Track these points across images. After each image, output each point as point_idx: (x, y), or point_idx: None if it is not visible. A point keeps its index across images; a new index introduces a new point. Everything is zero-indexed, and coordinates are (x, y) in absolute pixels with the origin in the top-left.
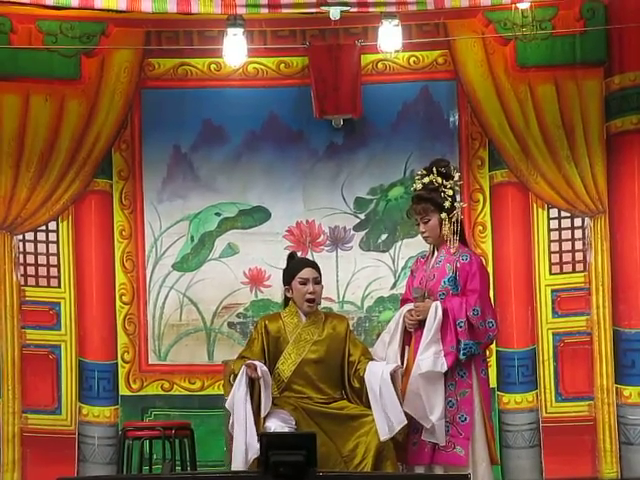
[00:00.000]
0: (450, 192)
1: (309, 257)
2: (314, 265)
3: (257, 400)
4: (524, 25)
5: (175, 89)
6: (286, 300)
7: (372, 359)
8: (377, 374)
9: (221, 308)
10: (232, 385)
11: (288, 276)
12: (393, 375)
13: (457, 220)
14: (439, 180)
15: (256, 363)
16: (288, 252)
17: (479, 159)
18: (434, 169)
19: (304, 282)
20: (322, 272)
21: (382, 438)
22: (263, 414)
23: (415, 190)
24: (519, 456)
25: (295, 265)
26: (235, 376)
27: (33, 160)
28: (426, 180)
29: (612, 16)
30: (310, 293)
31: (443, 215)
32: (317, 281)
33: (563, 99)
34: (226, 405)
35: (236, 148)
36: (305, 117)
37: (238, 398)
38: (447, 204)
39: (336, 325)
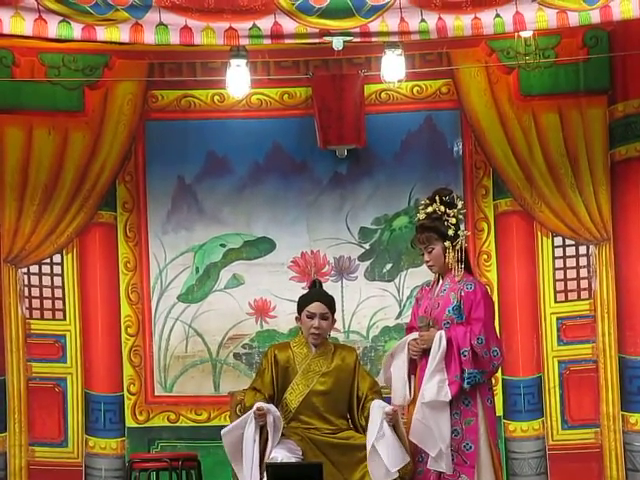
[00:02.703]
0: (453, 220)
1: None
2: (325, 300)
3: (264, 440)
4: (527, 54)
5: (179, 120)
6: None
7: (379, 392)
8: (375, 421)
9: (227, 339)
10: (238, 416)
11: (299, 307)
12: (392, 415)
13: (461, 248)
14: (442, 209)
15: (269, 408)
16: (293, 283)
17: (483, 188)
18: (437, 198)
19: (311, 316)
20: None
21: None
22: (267, 458)
23: (419, 220)
24: None
25: (306, 297)
26: (243, 407)
27: (37, 193)
28: (429, 210)
29: (615, 43)
30: (315, 328)
31: (447, 243)
32: (325, 317)
33: (567, 127)
34: (224, 434)
35: (240, 179)
36: (309, 147)
37: (247, 437)
38: (450, 232)
39: (345, 357)
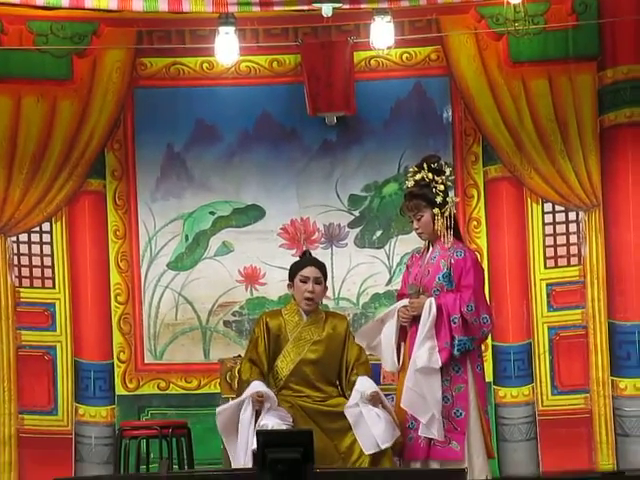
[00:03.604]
0: (442, 187)
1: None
2: (319, 265)
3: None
4: (516, 20)
5: (167, 88)
6: None
7: (365, 362)
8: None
9: (216, 306)
10: (228, 383)
11: (291, 273)
12: (374, 397)
13: (450, 215)
14: (430, 176)
15: (269, 395)
16: (283, 250)
17: (473, 155)
18: (425, 165)
19: (304, 280)
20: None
21: (367, 452)
22: (257, 426)
23: (407, 187)
24: (516, 449)
25: (299, 263)
26: (240, 380)
27: (26, 161)
28: (418, 177)
29: (604, 10)
30: (309, 292)
31: (435, 210)
32: (318, 281)
33: (556, 94)
34: (219, 412)
35: (229, 147)
36: (298, 115)
37: (244, 420)
38: (439, 199)
39: (336, 325)
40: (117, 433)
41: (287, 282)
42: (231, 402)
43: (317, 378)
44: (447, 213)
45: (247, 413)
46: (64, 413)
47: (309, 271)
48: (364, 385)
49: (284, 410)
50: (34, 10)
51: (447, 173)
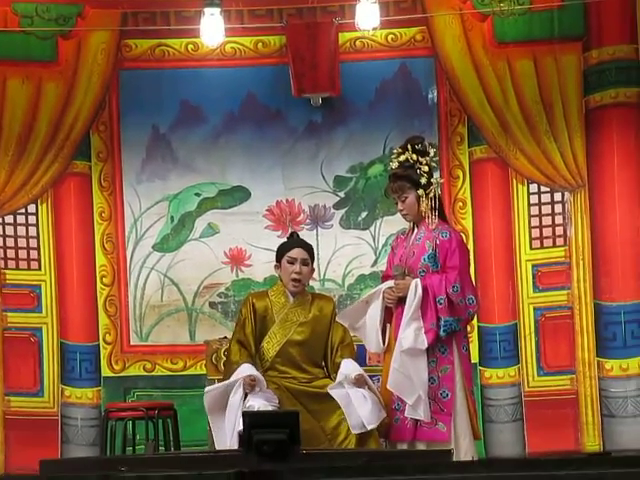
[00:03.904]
0: (426, 168)
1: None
2: (306, 247)
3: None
4: (502, 1)
5: (152, 70)
6: None
7: (350, 344)
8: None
9: (202, 288)
10: (214, 364)
11: (279, 254)
12: (359, 379)
13: (435, 196)
14: (414, 157)
15: (260, 380)
16: (268, 232)
17: (458, 135)
18: (409, 146)
19: (292, 262)
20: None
21: (354, 431)
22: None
23: (391, 169)
24: (502, 430)
25: (287, 244)
26: (228, 361)
27: (11, 143)
28: (402, 158)
29: None
30: (296, 273)
31: (420, 192)
32: (305, 263)
33: (542, 74)
34: (207, 391)
35: (214, 128)
36: (283, 96)
37: (232, 403)
38: (423, 180)
39: (323, 307)
40: (103, 415)
41: (274, 263)
42: (220, 383)
43: (303, 359)
44: (432, 194)
45: (237, 396)
46: (50, 395)
47: (297, 252)
48: (348, 368)
49: (270, 391)
50: None
51: (431, 154)
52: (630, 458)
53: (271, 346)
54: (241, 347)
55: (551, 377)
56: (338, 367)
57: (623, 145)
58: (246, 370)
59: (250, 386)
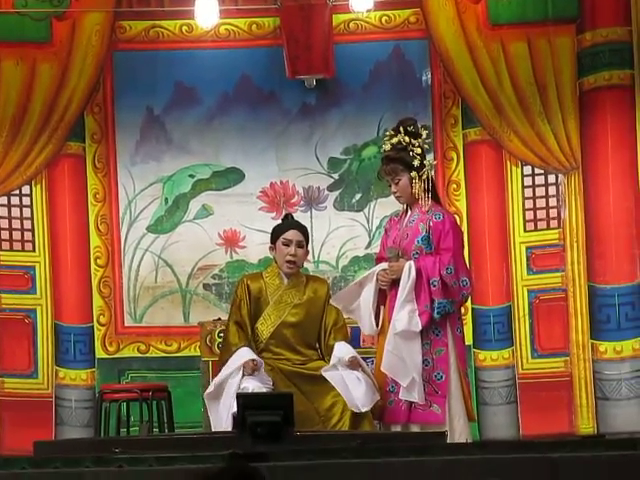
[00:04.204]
0: (419, 150)
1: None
2: (301, 229)
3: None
4: None
5: (147, 51)
6: None
7: (343, 327)
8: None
9: (196, 270)
10: (208, 346)
11: (274, 235)
12: (352, 362)
13: (428, 178)
14: (407, 139)
15: (261, 365)
16: (262, 213)
17: (452, 117)
18: (401, 128)
19: (287, 243)
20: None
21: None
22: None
23: (384, 151)
24: (496, 413)
25: (282, 225)
26: (227, 343)
27: (5, 125)
28: (394, 140)
29: None
30: (291, 255)
31: (413, 174)
32: (300, 245)
33: (535, 56)
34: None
35: (208, 110)
36: (277, 78)
37: (232, 384)
38: (416, 162)
39: (317, 289)
40: (97, 396)
41: (268, 245)
42: (224, 373)
43: (297, 341)
44: (425, 176)
45: (236, 378)
46: (44, 376)
47: (292, 234)
48: (342, 351)
49: (264, 373)
50: None
51: (424, 136)
52: (624, 441)
53: (265, 328)
54: (239, 329)
55: (545, 359)
56: (331, 349)
57: (617, 127)
58: (246, 354)
59: (252, 370)
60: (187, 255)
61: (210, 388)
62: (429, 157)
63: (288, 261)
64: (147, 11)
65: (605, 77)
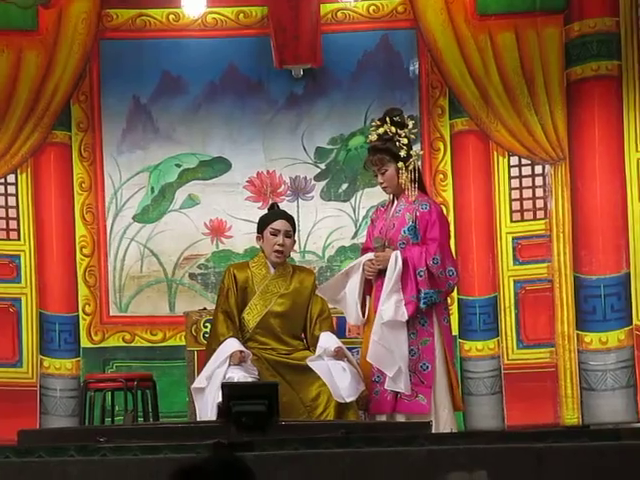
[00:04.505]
0: (405, 141)
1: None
2: (289, 218)
3: None
4: None
5: (133, 40)
6: None
7: (328, 318)
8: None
9: (182, 259)
10: (193, 336)
11: (261, 225)
12: (338, 352)
13: (414, 168)
14: (393, 129)
15: (248, 357)
16: (249, 203)
17: (439, 108)
18: (387, 119)
19: (275, 233)
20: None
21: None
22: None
23: (370, 142)
24: (481, 403)
25: (270, 215)
26: (215, 333)
27: None
28: (380, 131)
29: None
30: (279, 245)
31: (399, 164)
32: (288, 234)
33: (523, 47)
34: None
35: (195, 99)
36: (265, 67)
37: (218, 373)
38: (402, 153)
39: (304, 279)
40: (82, 386)
41: (254, 235)
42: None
43: (283, 331)
44: (411, 166)
45: (223, 368)
46: (29, 365)
47: (280, 224)
48: (327, 341)
49: (250, 364)
50: None
51: (410, 126)
52: (608, 431)
53: (251, 317)
54: (227, 318)
55: (531, 350)
56: (317, 340)
57: (604, 118)
58: (234, 345)
59: (240, 360)
60: (173, 245)
61: (199, 382)
62: (416, 147)
63: (276, 251)
64: (134, 0)
65: (593, 68)
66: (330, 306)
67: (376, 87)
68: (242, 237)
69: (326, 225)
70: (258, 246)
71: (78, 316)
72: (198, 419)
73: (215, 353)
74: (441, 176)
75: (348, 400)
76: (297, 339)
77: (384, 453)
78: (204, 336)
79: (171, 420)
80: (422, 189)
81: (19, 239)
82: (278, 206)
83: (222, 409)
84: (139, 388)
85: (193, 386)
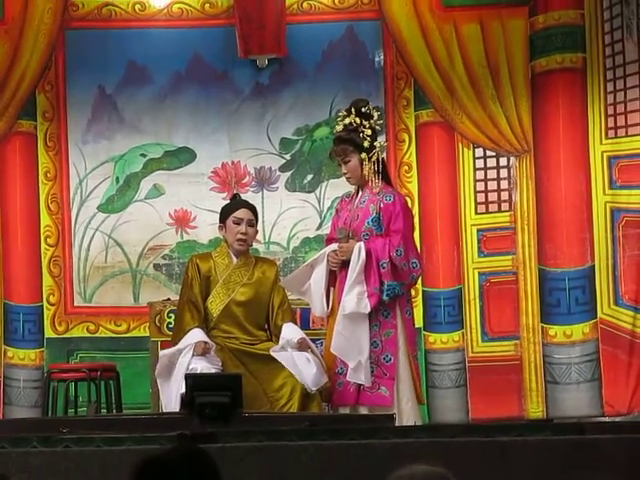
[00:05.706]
0: (369, 132)
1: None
2: (251, 208)
3: None
4: None
5: (99, 30)
6: None
7: (288, 309)
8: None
9: (147, 250)
10: (157, 327)
11: (223, 214)
12: (301, 343)
13: (378, 160)
14: (358, 120)
15: (212, 348)
16: (213, 193)
17: (404, 99)
18: (353, 110)
19: (238, 222)
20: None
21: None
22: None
23: (336, 132)
24: (445, 396)
25: (232, 204)
26: (180, 322)
27: None
28: (346, 121)
29: None
30: (242, 234)
31: (363, 155)
32: (251, 223)
33: (488, 38)
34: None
35: (161, 89)
36: (230, 57)
37: (182, 363)
38: (366, 144)
39: (266, 270)
40: (45, 376)
41: (218, 224)
42: (173, 348)
43: (247, 320)
44: (375, 158)
45: (186, 358)
46: None
47: (242, 213)
48: (290, 332)
49: (214, 355)
50: None
51: (375, 117)
52: (571, 425)
53: (215, 306)
54: (192, 307)
55: (495, 343)
56: (280, 329)
57: (568, 110)
58: (198, 335)
59: (203, 351)
60: (138, 235)
61: (160, 364)
62: (380, 139)
63: (239, 239)
64: None
65: (557, 60)
66: (295, 297)
67: (341, 78)
68: (207, 228)
69: (291, 216)
70: (221, 236)
71: (42, 306)
72: (163, 409)
73: (180, 342)
74: (406, 167)
75: (313, 389)
76: (261, 330)
77: (348, 446)
78: (168, 327)
79: (134, 411)
80: (387, 180)
81: None
82: (240, 196)
83: (185, 400)
84: (102, 379)
85: (156, 372)
